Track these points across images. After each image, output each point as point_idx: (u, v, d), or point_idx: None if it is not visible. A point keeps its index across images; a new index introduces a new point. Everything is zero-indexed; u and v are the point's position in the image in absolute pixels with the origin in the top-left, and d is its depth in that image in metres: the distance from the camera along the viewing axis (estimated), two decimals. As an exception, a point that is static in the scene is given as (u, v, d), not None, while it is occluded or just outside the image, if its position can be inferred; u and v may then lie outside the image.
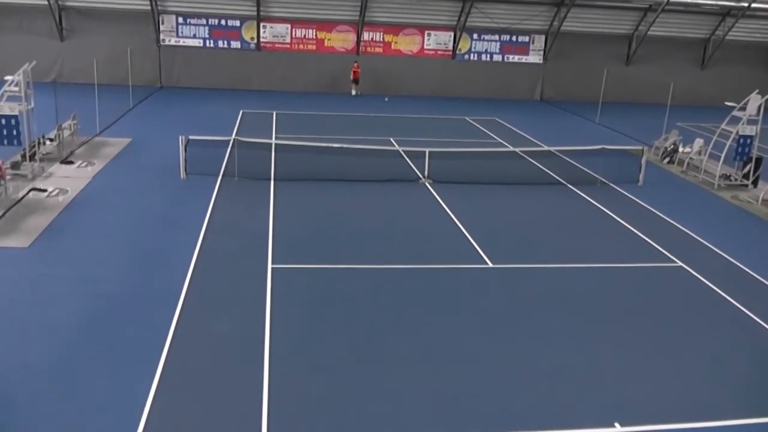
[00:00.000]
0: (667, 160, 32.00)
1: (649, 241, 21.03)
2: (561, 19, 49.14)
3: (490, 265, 18.51)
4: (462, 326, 14.92)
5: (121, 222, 20.36)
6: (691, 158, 30.94)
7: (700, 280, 18.32)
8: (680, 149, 32.01)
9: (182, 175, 24.99)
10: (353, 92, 48.47)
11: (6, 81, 23.60)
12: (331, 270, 17.66)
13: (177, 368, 12.71)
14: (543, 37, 51.22)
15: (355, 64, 48.34)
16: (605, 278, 18.08)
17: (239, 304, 15.31)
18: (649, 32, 50.61)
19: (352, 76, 48.47)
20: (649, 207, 24.70)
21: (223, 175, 25.48)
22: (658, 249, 20.38)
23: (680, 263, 19.32)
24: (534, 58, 51.70)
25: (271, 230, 20.16)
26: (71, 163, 26.31)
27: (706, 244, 21.11)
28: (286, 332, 14.17)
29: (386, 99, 47.46)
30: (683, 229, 22.45)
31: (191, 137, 25.38)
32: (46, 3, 44.39)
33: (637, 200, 25.46)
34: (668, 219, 23.42)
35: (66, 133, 28.12)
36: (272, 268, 17.38)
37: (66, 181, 24.03)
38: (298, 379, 12.57)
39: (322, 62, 48.93)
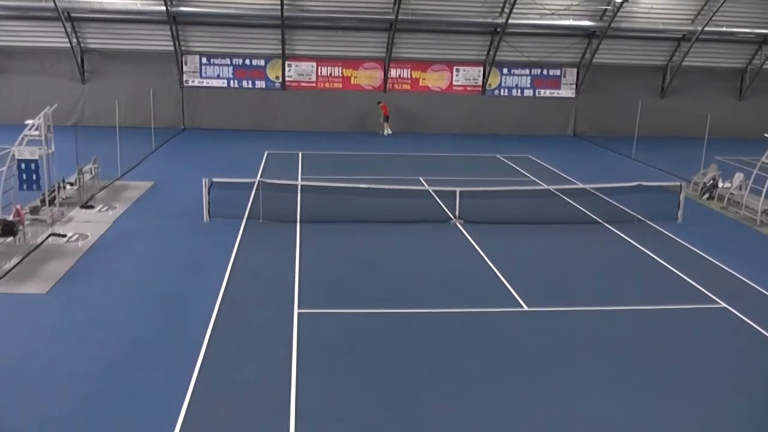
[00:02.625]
0: (706, 195, 31.65)
1: (690, 281, 20.70)
2: (593, 51, 49.08)
3: (526, 308, 18.28)
4: (497, 373, 14.67)
5: (142, 267, 20.36)
6: (731, 193, 30.56)
7: (745, 321, 17.97)
8: (720, 184, 31.64)
9: (205, 218, 25.00)
10: (386, 131, 48.09)
11: (26, 125, 23.77)
12: (359, 315, 17.51)
13: (198, 420, 12.55)
14: (575, 70, 51.14)
15: (382, 103, 48.21)
16: (645, 321, 17.77)
17: (264, 352, 15.16)
18: (683, 63, 50.36)
19: (383, 115, 48.23)
20: (688, 245, 24.37)
21: (247, 218, 25.46)
22: (699, 289, 20.04)
23: (723, 304, 18.98)
24: (566, 92, 51.61)
25: (297, 274, 20.06)
26: (91, 207, 26.42)
27: (750, 284, 20.74)
28: (313, 381, 13.98)
29: (389, 133, 47.74)
30: (725, 268, 22.09)
31: (215, 179, 25.46)
32: (68, 45, 44.99)
33: (676, 238, 25.14)
34: (709, 258, 23.08)
35: (86, 176, 28.26)
36: (298, 314, 17.26)
37: (86, 225, 24.11)
38: None
39: (348, 100, 49.08)
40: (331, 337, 16.11)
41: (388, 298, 18.67)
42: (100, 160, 29.86)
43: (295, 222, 25.29)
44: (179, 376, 13.93)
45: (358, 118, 49.16)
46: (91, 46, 46.38)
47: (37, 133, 23.68)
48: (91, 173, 28.89)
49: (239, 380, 13.93)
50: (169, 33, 45.36)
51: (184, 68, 47.45)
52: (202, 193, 25.15)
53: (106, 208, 26.51)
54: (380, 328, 16.75)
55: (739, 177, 31.11)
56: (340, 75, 49.10)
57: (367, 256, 22.13)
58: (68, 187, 27.08)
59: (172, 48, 46.30)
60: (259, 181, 27.17)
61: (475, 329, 16.89)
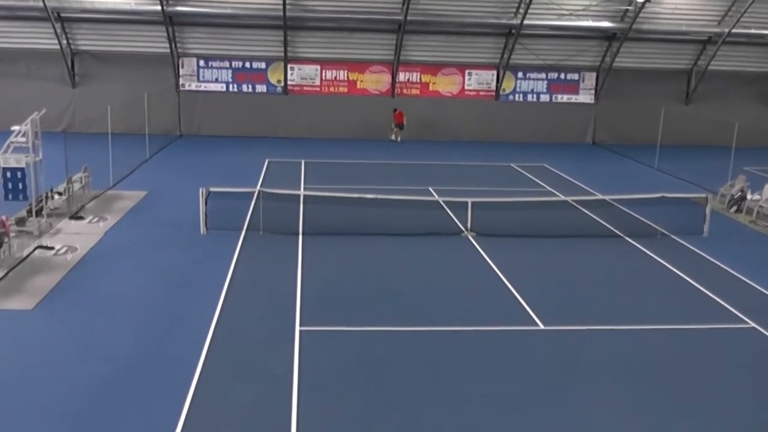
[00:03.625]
0: (734, 208, 31.56)
1: (717, 299, 20.61)
2: (613, 54, 49.08)
3: (541, 327, 18.22)
4: (511, 396, 14.61)
5: (135, 282, 20.35)
6: (761, 206, 30.47)
7: (776, 342, 17.96)
8: (749, 196, 31.56)
9: (202, 230, 25.00)
10: (397, 138, 48.20)
11: (13, 131, 23.78)
12: (365, 333, 17.47)
13: (194, 445, 12.52)
14: (594, 75, 51.15)
15: (398, 110, 48.12)
16: (668, 342, 17.69)
17: (263, 372, 15.12)
18: (709, 67, 50.38)
19: (395, 122, 48.28)
20: (715, 261, 24.28)
21: (246, 230, 25.48)
22: (727, 308, 19.95)
23: (753, 324, 18.88)
24: (584, 97, 51.62)
25: (299, 289, 20.04)
26: (81, 218, 26.45)
27: (782, 302, 20.73)
28: (315, 403, 13.93)
29: (393, 138, 47.98)
30: (755, 285, 22.00)
31: (212, 189, 25.46)
32: (58, 47, 45.13)
33: (701, 253, 25.06)
34: (737, 274, 22.98)
35: (76, 186, 28.27)
36: (300, 331, 17.22)
37: (75, 237, 24.12)
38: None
39: (354, 106, 49.17)
40: (335, 357, 16.06)
41: (395, 315, 18.63)
42: (90, 168, 29.86)
43: (297, 234, 25.28)
44: (173, 398, 13.88)
45: (364, 124, 49.18)
46: (83, 47, 46.55)
47: (23, 139, 23.68)
48: (81, 182, 28.90)
49: (237, 402, 13.89)
50: (165, 34, 45.49)
51: (181, 71, 47.57)
52: (198, 203, 25.14)
53: (96, 219, 26.53)
54: (387, 348, 16.71)
55: (769, 188, 31.11)
56: (346, 79, 49.19)
57: (373, 270, 22.11)
58: (57, 196, 27.08)
59: (168, 50, 46.42)
60: (259, 191, 27.17)
61: (487, 349, 16.83)
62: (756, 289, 21.67)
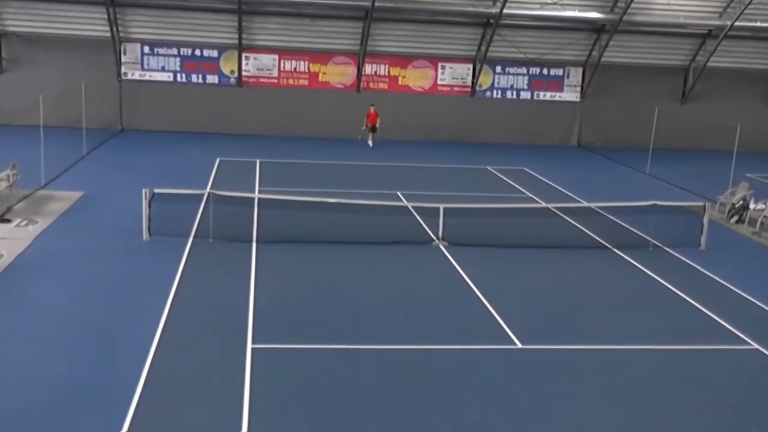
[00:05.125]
0: (735, 218, 31.80)
1: (715, 317, 20.74)
2: (601, 48, 49.41)
3: (520, 346, 18.26)
4: (485, 423, 14.61)
5: (68, 294, 20.19)
6: (765, 216, 30.72)
7: (779, 366, 18.11)
8: (751, 206, 31.79)
9: (145, 236, 24.86)
10: (370, 143, 46.93)
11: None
12: (324, 352, 17.43)
13: (133, 475, 12.42)
14: (580, 70, 51.51)
15: (372, 108, 46.85)
16: (661, 364, 17.79)
17: (211, 395, 15.04)
18: (709, 63, 50.85)
19: (367, 123, 46.93)
20: (713, 276, 24.46)
21: (194, 237, 25.39)
22: (726, 328, 20.07)
23: (755, 345, 19.01)
24: (569, 95, 51.94)
25: (251, 303, 19.97)
26: (8, 221, 26.23)
27: (786, 322, 20.92)
28: (268, 429, 13.87)
29: (359, 138, 47.69)
30: (757, 303, 22.19)
31: (157, 190, 25.31)
32: (-17, 29, 44.86)
33: (698, 268, 25.25)
34: (738, 291, 23.16)
35: (2, 185, 28.05)
36: (252, 349, 17.15)
37: (0, 243, 23.92)
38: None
39: (315, 101, 49.15)
40: (291, 378, 16.00)
41: (357, 332, 18.61)
42: (19, 165, 29.64)
43: (251, 242, 25.22)
44: (110, 424, 13.75)
45: (326, 121, 49.14)
46: (11, 29, 46.22)
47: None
48: (7, 181, 28.65)
49: (182, 428, 13.81)
50: (105, 16, 45.26)
51: (123, 58, 47.37)
52: (141, 206, 25.01)
53: (25, 222, 26.31)
54: (348, 368, 16.67)
55: (775, 198, 31.38)
56: (306, 70, 49.23)
57: (333, 282, 22.08)
58: (-20, 196, 26.90)
59: (109, 34, 46.17)
60: (209, 193, 27.08)
61: (459, 370, 16.84)
62: (758, 307, 21.85)
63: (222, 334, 17.95)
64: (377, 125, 46.54)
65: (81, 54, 46.44)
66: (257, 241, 25.30)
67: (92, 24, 46.07)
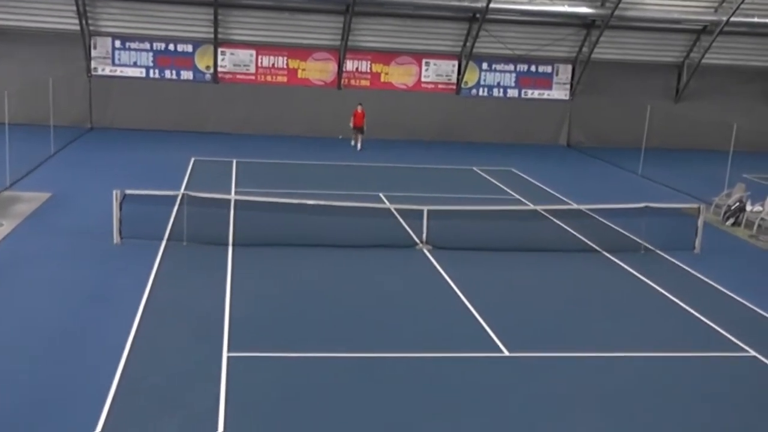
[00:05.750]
0: (731, 221, 31.90)
1: (710, 323, 20.82)
2: (592, 44, 49.52)
3: (506, 353, 18.27)
4: (471, 433, 14.63)
5: (35, 300, 20.10)
6: (762, 219, 30.84)
7: (777, 373, 18.19)
8: (748, 207, 31.91)
9: (116, 239, 24.79)
10: (357, 145, 45.88)
11: None
12: (303, 360, 17.41)
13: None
14: (569, 67, 51.62)
15: (360, 108, 45.86)
16: (654, 372, 17.83)
17: (185, 405, 14.99)
18: (704, 60, 50.97)
19: (353, 123, 46.00)
20: (709, 280, 24.56)
21: (168, 240, 25.32)
22: (722, 334, 20.16)
23: (753, 352, 19.08)
24: (558, 93, 52.04)
25: (227, 309, 19.93)
26: (-27, 223, 26.15)
27: (785, 328, 21.01)
28: (244, 441, 13.86)
29: (339, 137, 47.70)
30: (755, 308, 22.28)
31: (128, 192, 25.23)
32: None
33: (693, 272, 25.34)
34: (735, 296, 23.25)
35: (-33, 185, 27.97)
36: (228, 358, 17.12)
37: (-34, 246, 23.87)
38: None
39: (294, 98, 49.12)
40: (269, 387, 15.99)
41: (338, 339, 18.59)
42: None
43: (227, 245, 25.18)
44: (78, 434, 13.74)
45: (305, 119, 49.09)
46: (-26, 22, 46.04)
47: None
48: (-28, 181, 28.60)
49: (153, 439, 13.78)
50: (74, 8, 45.00)
51: (93, 53, 47.20)
52: (112, 208, 24.93)
53: (-9, 224, 26.26)
54: (329, 377, 16.65)
55: (773, 199, 31.46)
56: (285, 66, 49.16)
57: (313, 288, 22.05)
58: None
59: (78, 27, 45.96)
60: (183, 195, 27.03)
61: (444, 378, 16.84)
62: (756, 313, 21.95)
63: (196, 342, 17.91)
64: (364, 126, 45.72)
65: (48, 48, 46.21)
66: (233, 245, 25.25)
67: (60, 16, 45.82)
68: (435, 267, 24.33)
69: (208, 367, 16.62)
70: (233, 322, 19.07)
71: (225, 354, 17.30)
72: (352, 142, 46.25)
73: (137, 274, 22.01)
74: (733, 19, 47.90)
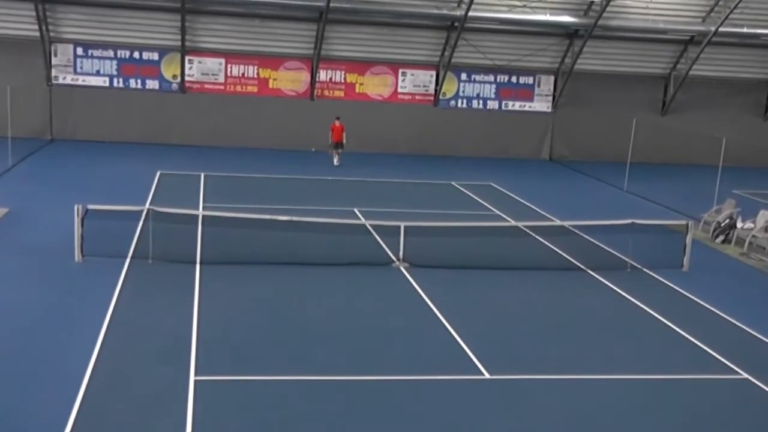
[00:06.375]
0: (720, 238, 32.01)
1: (700, 344, 20.86)
2: (575, 54, 49.72)
3: (487, 376, 18.26)
4: (451, 461, 14.58)
5: (-8, 319, 19.96)
6: (754, 236, 30.99)
7: (770, 397, 18.24)
8: (739, 224, 32.03)
9: (77, 257, 24.67)
10: (335, 161, 44.97)
11: None
12: (274, 383, 17.35)
13: None
14: (552, 78, 51.80)
15: (338, 122, 44.92)
16: (642, 395, 17.82)
17: (150, 432, 14.90)
18: (691, 71, 51.23)
19: (332, 139, 45.03)
20: (698, 300, 24.63)
21: (132, 258, 25.21)
22: (713, 356, 20.20)
23: (745, 375, 19.13)
24: (540, 104, 52.20)
25: (195, 330, 19.83)
26: (-74, 240, 25.99)
27: (778, 350, 21.06)
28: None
29: (313, 150, 47.70)
30: (745, 328, 22.36)
31: (90, 207, 25.16)
32: None
33: (681, 291, 25.41)
34: (725, 316, 23.33)
35: None
36: (195, 382, 17.02)
37: None
38: None
39: (265, 109, 49.09)
40: (239, 413, 15.87)
41: (311, 362, 18.52)
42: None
43: (194, 263, 25.10)
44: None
45: (277, 131, 49.05)
46: (-74, 28, 45.78)
47: None
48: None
49: (116, 468, 13.67)
50: (34, 13, 44.80)
51: (53, 60, 47.03)
52: (73, 224, 24.81)
53: (-55, 241, 26.11)
54: (302, 402, 16.57)
55: (764, 216, 31.52)
56: (256, 76, 49.13)
57: (284, 308, 22.00)
58: None
59: (37, 33, 45.73)
60: (148, 210, 26.87)
61: (422, 402, 16.79)
62: (748, 333, 22.02)
63: (162, 366, 17.79)
64: (344, 141, 44.83)
65: (5, 55, 45.98)
66: (201, 263, 25.17)
67: (18, 22, 45.59)
68: (412, 286, 24.30)
69: (174, 392, 16.50)
70: (201, 345, 18.97)
71: (192, 378, 17.19)
72: (334, 159, 44.97)
73: (100, 294, 21.87)
74: (721, 29, 48.11)
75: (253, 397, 16.65)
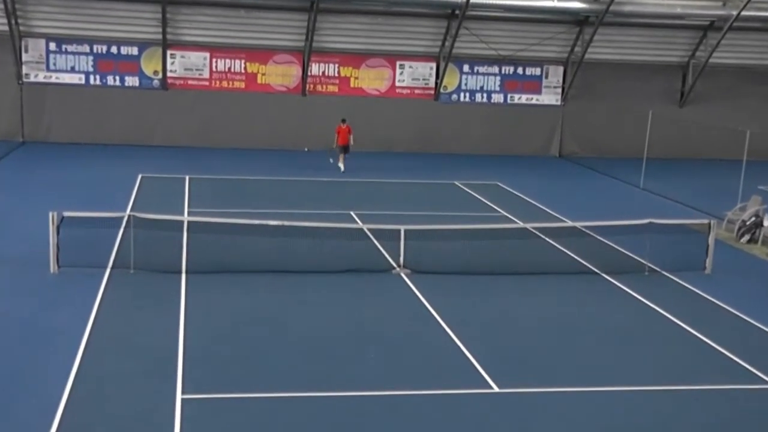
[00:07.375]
0: (746, 238, 32.00)
1: (726, 352, 20.84)
2: (585, 43, 49.71)
3: (496, 389, 18.23)
4: (459, 482, 14.55)
5: (-37, 336, 19.92)
6: (781, 235, 31.01)
7: (802, 408, 18.18)
8: (765, 223, 31.99)
9: (52, 267, 24.64)
10: (341, 167, 43.71)
11: None
12: (267, 401, 17.31)
13: None
14: (561, 69, 51.82)
15: (344, 124, 44.08)
16: (664, 407, 17.79)
17: (134, 455, 14.86)
18: (711, 60, 51.20)
19: (337, 142, 44.07)
20: (722, 304, 24.62)
21: (112, 267, 25.20)
22: (739, 364, 20.17)
23: (773, 385, 19.18)
24: (549, 97, 52.20)
25: (181, 345, 19.81)
26: None
27: (809, 357, 21.04)
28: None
29: (306, 149, 47.94)
30: (775, 335, 22.41)
31: (66, 214, 25.09)
32: None
33: (704, 295, 25.41)
34: (752, 321, 23.31)
35: None
36: (182, 400, 16.99)
37: None
38: None
39: (254, 106, 49.16)
40: (229, 433, 15.87)
41: (306, 377, 18.50)
42: None
43: (180, 272, 25.11)
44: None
45: (267, 130, 49.07)
46: None
47: None
48: None
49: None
50: (2, 6, 44.81)
51: (24, 57, 47.05)
52: (48, 232, 24.78)
53: None
54: (298, 419, 16.55)
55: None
56: (243, 71, 49.18)
57: (277, 319, 22.00)
58: None
59: (6, 27, 45.76)
60: (129, 216, 26.86)
61: (427, 419, 16.76)
62: (776, 341, 22.05)
63: (146, 383, 17.76)
64: (350, 144, 43.92)
65: (-27, 52, 46.11)
66: (187, 272, 25.17)
67: (-14, 16, 45.72)
68: (414, 293, 24.29)
69: (159, 412, 16.46)
70: (188, 360, 18.95)
71: (179, 397, 17.15)
72: (339, 164, 43.75)
73: (78, 307, 21.84)
74: (744, 13, 47.96)
75: (244, 416, 16.59)
